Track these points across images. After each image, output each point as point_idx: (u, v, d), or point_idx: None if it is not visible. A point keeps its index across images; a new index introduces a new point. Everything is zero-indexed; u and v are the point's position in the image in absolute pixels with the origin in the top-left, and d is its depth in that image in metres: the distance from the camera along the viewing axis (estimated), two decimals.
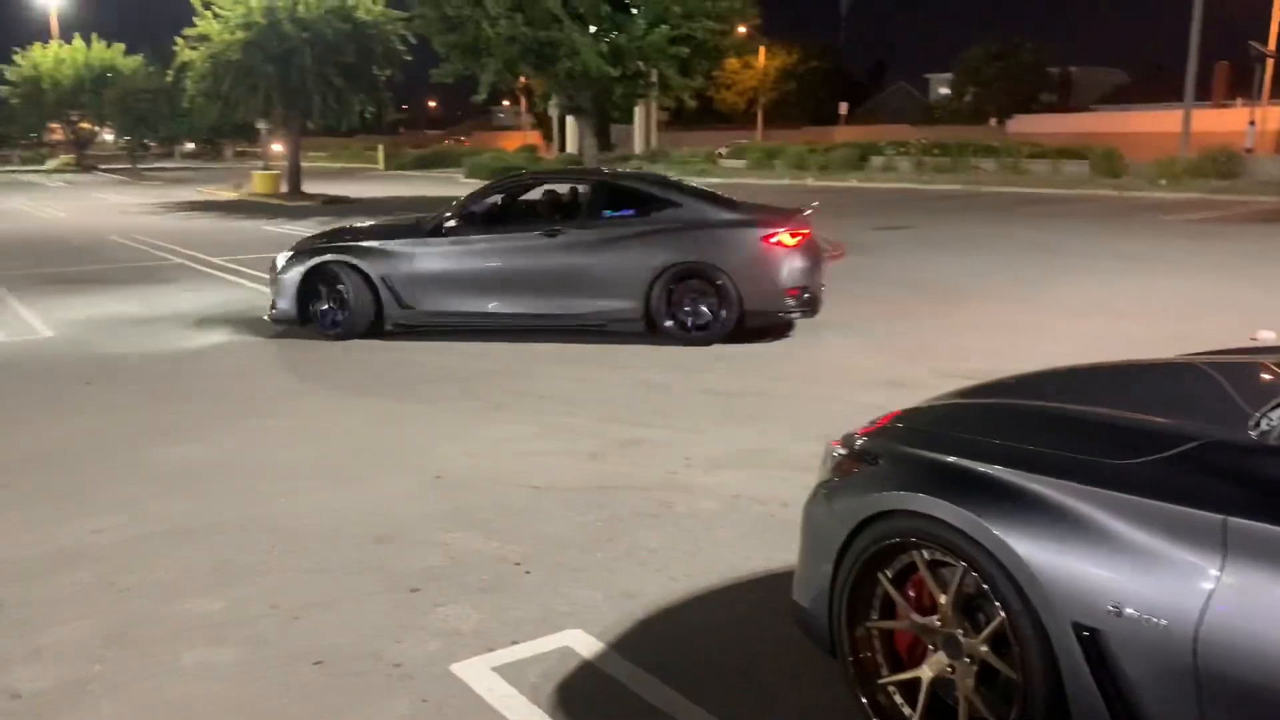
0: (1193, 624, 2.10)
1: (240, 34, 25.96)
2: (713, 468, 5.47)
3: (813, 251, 8.66)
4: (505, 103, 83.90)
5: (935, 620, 2.74)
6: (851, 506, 2.90)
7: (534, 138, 62.65)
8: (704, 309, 8.54)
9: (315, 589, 4.02)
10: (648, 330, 8.63)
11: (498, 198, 9.49)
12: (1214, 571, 2.09)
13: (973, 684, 2.65)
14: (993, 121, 55.59)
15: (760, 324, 8.62)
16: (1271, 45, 39.26)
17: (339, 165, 57.78)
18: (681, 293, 8.55)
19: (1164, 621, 2.16)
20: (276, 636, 3.63)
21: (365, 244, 9.12)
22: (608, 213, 8.90)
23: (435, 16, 17.02)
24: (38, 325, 10.02)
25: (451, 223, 9.05)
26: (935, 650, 2.76)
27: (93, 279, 13.30)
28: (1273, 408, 2.41)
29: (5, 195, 33.22)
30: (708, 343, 8.47)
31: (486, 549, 4.40)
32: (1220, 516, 2.10)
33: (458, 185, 35.81)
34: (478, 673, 3.36)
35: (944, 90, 68.30)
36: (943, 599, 2.70)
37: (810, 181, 34.16)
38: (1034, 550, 2.38)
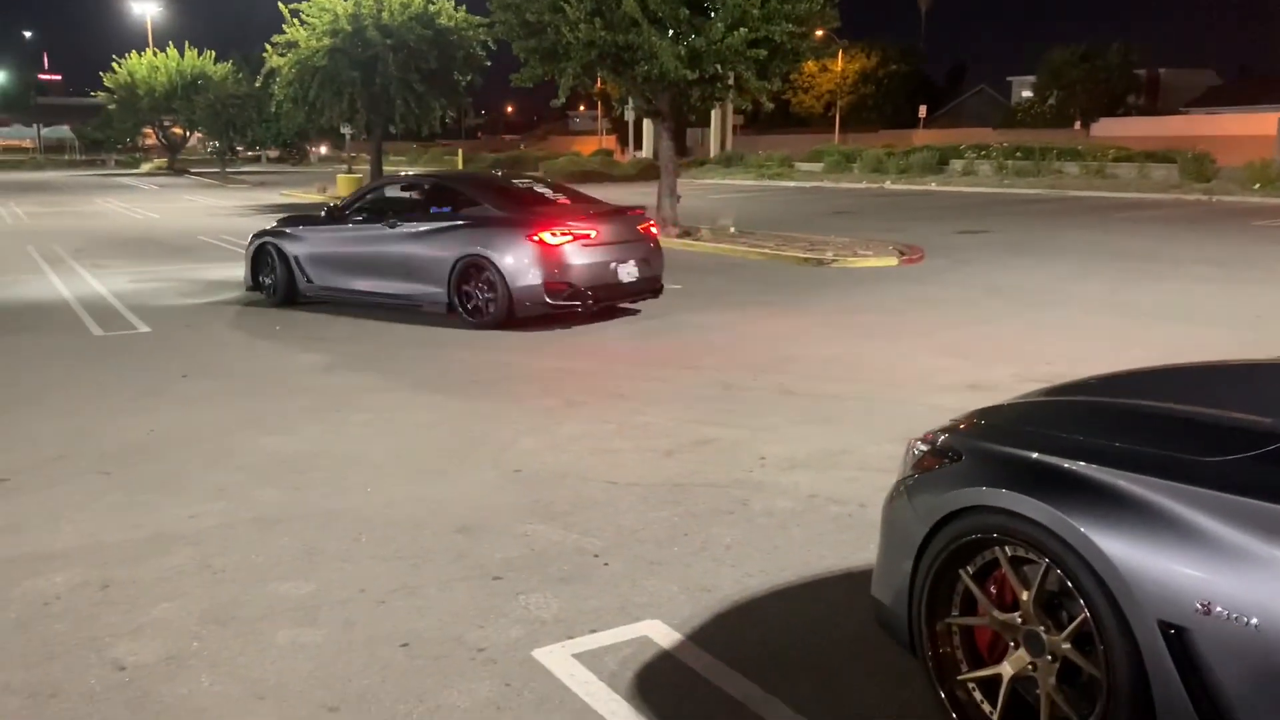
0: None
1: (326, 41, 26.57)
2: (788, 467, 5.48)
3: (587, 250, 9.38)
4: (582, 108, 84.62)
5: (1017, 617, 2.73)
6: (933, 503, 2.91)
7: (609, 142, 62.99)
8: (486, 297, 9.52)
9: (400, 575, 4.14)
10: (448, 312, 9.77)
11: (373, 194, 11.25)
12: None
13: (1054, 682, 2.64)
14: (1077, 125, 54.37)
15: (531, 314, 9.41)
16: None
17: (419, 168, 58.73)
18: (472, 282, 9.57)
19: (1255, 621, 2.13)
20: (364, 619, 3.75)
21: (287, 228, 11.22)
22: (434, 209, 10.17)
23: (515, 22, 17.16)
24: (136, 321, 10.40)
25: (338, 213, 10.90)
26: (1016, 647, 2.75)
27: (184, 278, 13.75)
28: None
29: (102, 197, 34.48)
30: (484, 327, 9.46)
31: (566, 540, 4.48)
32: None
33: None
34: (558, 659, 3.43)
35: (1026, 93, 66.96)
36: (1025, 595, 2.69)
37: (888, 184, 33.80)
38: (1120, 547, 2.37)
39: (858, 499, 4.92)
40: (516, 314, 9.37)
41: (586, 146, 59.67)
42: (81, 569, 4.24)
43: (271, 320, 10.33)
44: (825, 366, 7.90)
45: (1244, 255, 14.35)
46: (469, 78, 28.41)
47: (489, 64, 27.86)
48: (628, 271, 9.70)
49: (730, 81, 17.27)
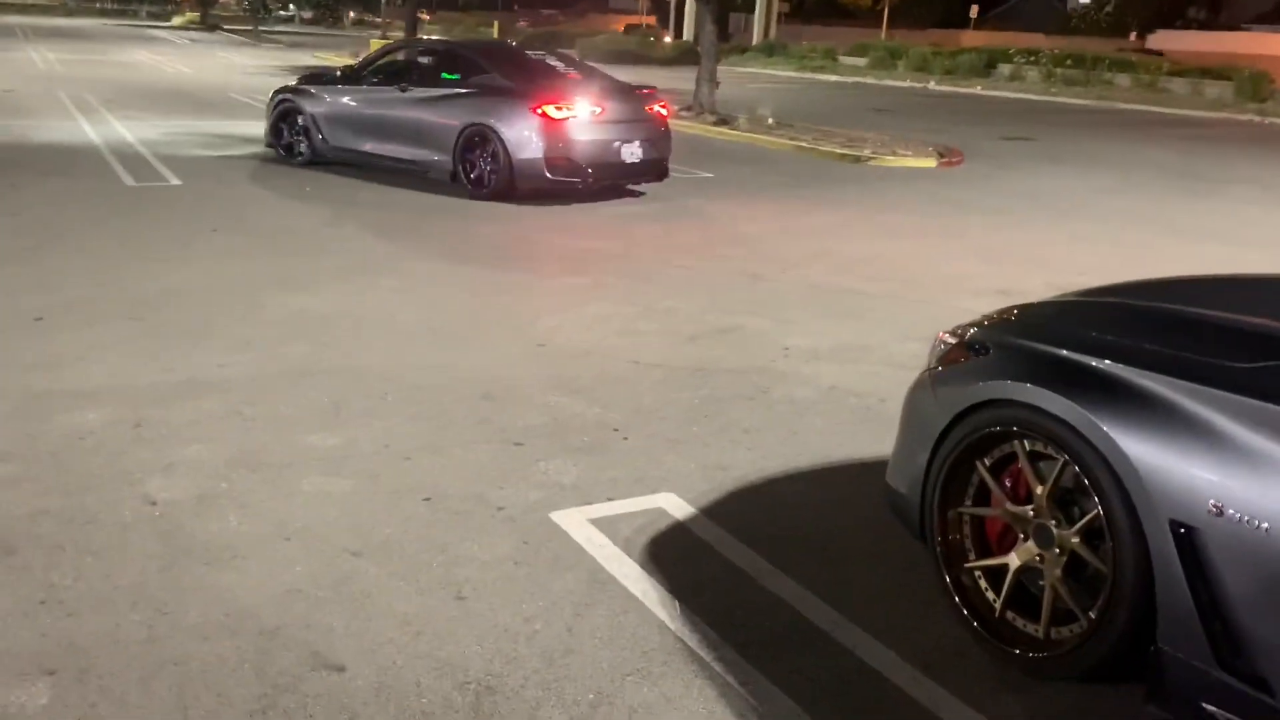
0: None
1: None
2: (811, 359, 5.51)
3: (592, 126, 9.31)
4: None
5: (1029, 510, 2.78)
6: (956, 394, 2.93)
7: (650, 22, 61.32)
8: (488, 167, 9.49)
9: (425, 435, 4.23)
10: (451, 181, 9.76)
11: (388, 57, 11.14)
12: None
13: (1060, 574, 2.70)
14: (1132, 36, 52.51)
15: (531, 186, 9.38)
16: None
17: (454, 39, 57.57)
18: (476, 151, 9.55)
19: (1266, 525, 2.17)
20: (388, 473, 3.85)
21: (306, 86, 11.12)
22: (444, 75, 10.16)
23: None
24: (167, 173, 10.40)
25: (354, 74, 10.92)
26: (1025, 539, 2.81)
27: (216, 133, 13.68)
28: None
29: (134, 48, 34.07)
30: (483, 198, 9.47)
31: (587, 414, 4.55)
32: None
33: None
34: (575, 522, 3.53)
35: (1084, 0, 64.55)
36: (1039, 489, 2.73)
37: (932, 85, 32.95)
38: (1139, 446, 2.39)
39: (878, 393, 4.95)
40: (517, 185, 9.38)
41: (627, 25, 58.17)
42: (114, 407, 4.35)
43: (301, 180, 10.30)
44: (854, 264, 7.85)
45: None
46: None
47: None
48: (631, 152, 9.63)
49: None
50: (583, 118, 9.34)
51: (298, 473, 3.82)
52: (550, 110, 9.22)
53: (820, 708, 2.62)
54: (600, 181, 9.56)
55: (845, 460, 4.21)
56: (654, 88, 10.50)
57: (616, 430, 4.38)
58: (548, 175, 9.29)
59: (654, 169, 10.06)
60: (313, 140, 10.89)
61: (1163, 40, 49.50)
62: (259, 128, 13.18)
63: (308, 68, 28.39)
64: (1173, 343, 2.54)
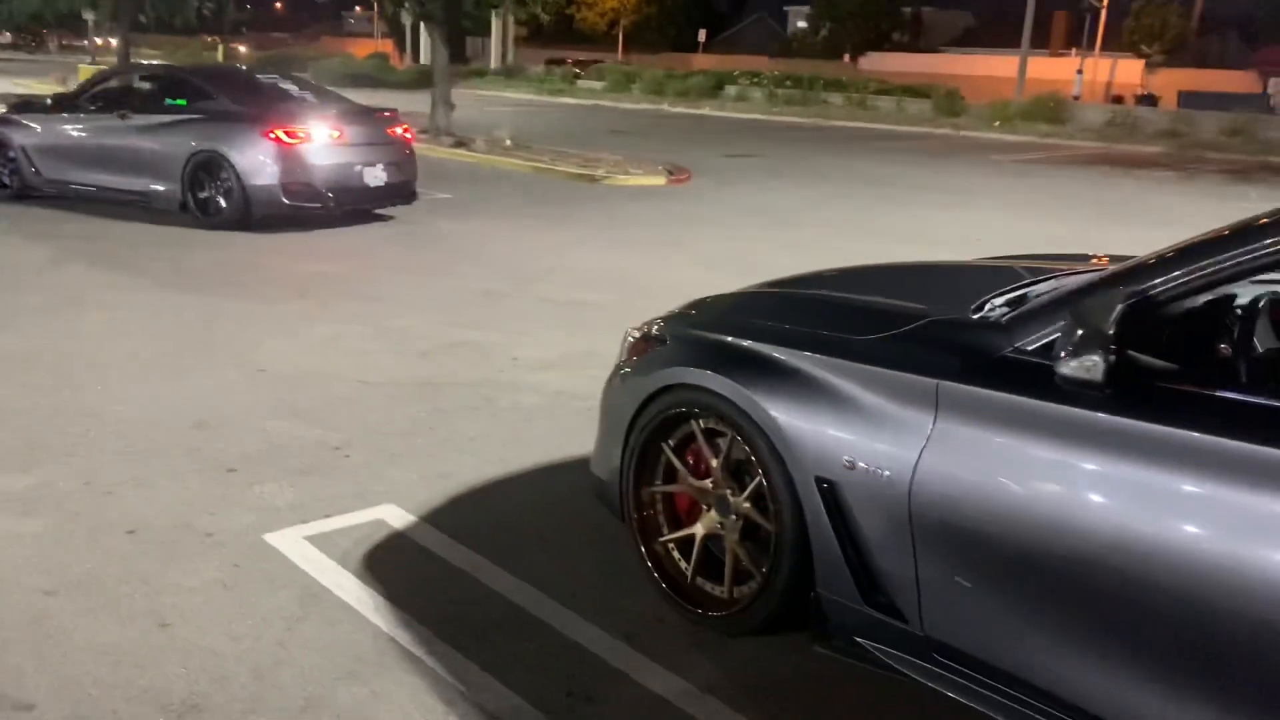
0: (909, 474, 2.44)
1: None
2: (539, 368, 5.69)
3: (330, 150, 9.19)
4: (358, 9, 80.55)
5: (709, 483, 3.05)
6: (641, 383, 3.17)
7: (386, 46, 60.42)
8: (220, 195, 9.21)
9: (129, 468, 4.07)
10: (181, 210, 9.40)
11: (106, 83, 10.59)
12: (927, 427, 2.43)
13: (737, 538, 2.98)
14: (846, 58, 56.77)
15: (268, 214, 9.16)
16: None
17: (177, 63, 54.52)
18: (206, 179, 9.24)
19: (887, 473, 2.50)
20: (88, 510, 3.69)
21: (14, 115, 10.55)
22: (168, 101, 9.80)
23: None
24: None
25: (68, 102, 10.39)
26: (708, 510, 3.07)
27: None
28: (995, 295, 2.77)
29: None
30: (219, 227, 9.15)
31: (307, 435, 4.52)
32: (934, 380, 2.44)
33: None
34: (290, 541, 3.52)
35: (802, 24, 69.19)
36: (714, 463, 3.00)
37: (666, 107, 34.28)
38: (787, 415, 2.69)
39: (599, 395, 5.18)
40: (254, 213, 9.12)
41: (362, 50, 57.02)
42: None
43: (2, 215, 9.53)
44: (584, 276, 8.13)
45: (979, 186, 15.62)
46: None
47: None
48: (375, 175, 9.52)
49: None
50: (320, 141, 9.16)
51: None
52: (284, 134, 9.00)
53: (525, 685, 2.76)
54: (342, 206, 9.39)
55: (566, 459, 4.40)
56: (394, 110, 10.36)
57: (338, 449, 4.38)
58: (285, 201, 9.07)
59: (399, 192, 9.94)
60: (23, 173, 10.25)
61: (872, 62, 53.91)
62: None
63: (4, 95, 26.13)
64: (811, 323, 2.88)
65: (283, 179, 9.01)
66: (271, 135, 8.99)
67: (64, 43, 61.62)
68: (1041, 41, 48.58)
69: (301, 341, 5.97)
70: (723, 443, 2.97)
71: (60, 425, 4.49)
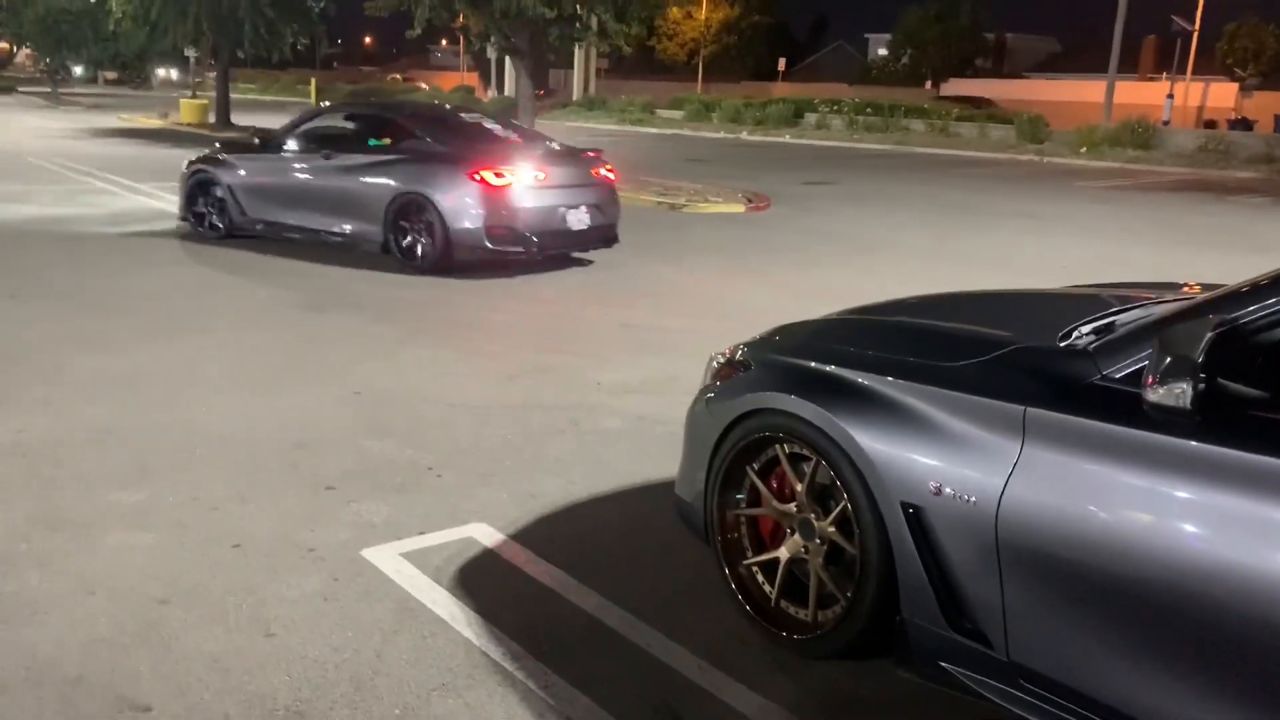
0: (995, 499, 2.47)
1: None
2: (622, 392, 5.79)
3: (535, 192, 8.80)
4: (444, 42, 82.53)
5: (793, 507, 3.10)
6: (726, 407, 3.24)
7: (471, 78, 61.80)
8: (422, 239, 8.95)
9: (233, 485, 4.26)
10: (383, 253, 9.16)
11: (310, 123, 10.37)
12: (1014, 454, 2.45)
13: (822, 562, 3.02)
14: (928, 84, 56.30)
15: (470, 259, 8.86)
16: (1198, 21, 40.43)
17: (270, 98, 56.51)
18: (409, 222, 8.98)
19: (973, 498, 2.52)
20: (196, 523, 3.88)
21: (221, 156, 10.46)
22: (372, 141, 9.58)
23: None
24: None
25: (272, 142, 10.22)
26: (792, 534, 3.12)
27: (8, 199, 13.08)
28: (1083, 323, 2.78)
29: None
30: (422, 271, 8.89)
31: (400, 455, 4.67)
32: (1021, 407, 2.46)
33: None
34: (386, 557, 3.65)
35: (882, 51, 68.84)
36: (799, 487, 3.05)
37: (745, 135, 34.42)
38: (873, 440, 2.74)
39: (681, 419, 5.25)
40: (455, 257, 8.81)
41: (448, 82, 58.49)
42: None
43: (230, 261, 9.99)
44: (665, 302, 8.23)
45: (1063, 212, 15.39)
46: (322, 4, 27.57)
47: None
48: (578, 218, 9.10)
49: (589, 22, 17.35)
50: (525, 183, 8.79)
51: (101, 529, 3.80)
52: (489, 176, 8.67)
53: (613, 701, 2.83)
54: (545, 251, 9.00)
55: (649, 481, 4.48)
56: (599, 151, 9.94)
57: (430, 469, 4.52)
58: (488, 245, 8.71)
59: (601, 235, 9.51)
60: (230, 213, 10.20)
61: (955, 88, 53.34)
62: (54, 193, 12.69)
63: (112, 130, 27.35)
64: (896, 349, 2.92)
65: (487, 222, 8.67)
66: (476, 177, 8.66)
67: (167, 78, 64.22)
68: (1130, 66, 47.64)
69: (393, 364, 6.16)
70: (807, 467, 3.02)
71: (167, 444, 4.72)
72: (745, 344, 3.44)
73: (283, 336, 6.80)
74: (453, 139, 9.36)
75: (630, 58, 51.27)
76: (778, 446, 3.09)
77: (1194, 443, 2.12)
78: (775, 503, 3.15)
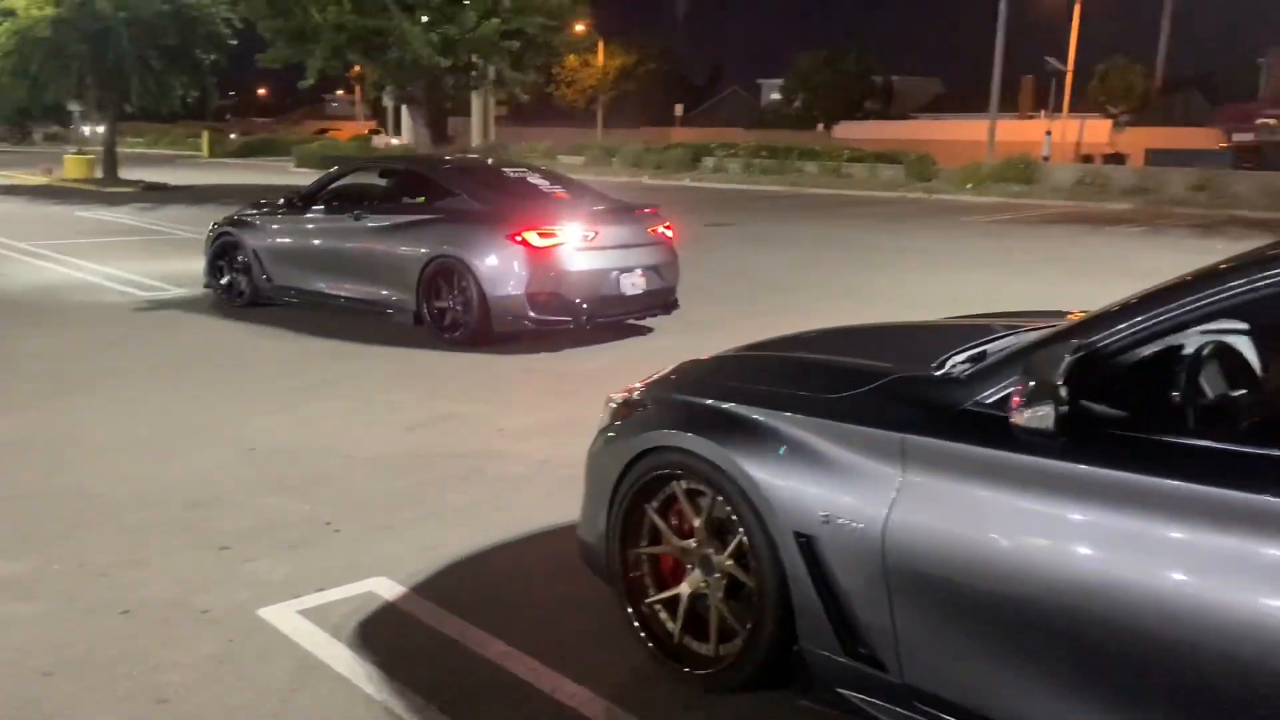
0: (880, 526, 2.54)
1: (50, 9, 24.58)
2: (525, 436, 5.78)
3: (584, 254, 7.84)
4: (340, 92, 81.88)
5: (692, 543, 3.14)
6: (624, 446, 3.27)
7: (369, 127, 61.39)
8: (459, 307, 8.01)
9: (124, 549, 4.13)
10: (416, 324, 8.26)
11: (339, 180, 9.61)
12: (896, 480, 2.54)
13: (721, 596, 3.06)
14: (820, 127, 57.92)
15: (510, 330, 7.88)
16: (1070, 62, 42.51)
17: (160, 151, 55.25)
18: (445, 288, 8.08)
19: (860, 525, 2.60)
20: (83, 591, 3.74)
21: (247, 217, 9.72)
22: (405, 199, 8.86)
23: (261, 0, 16.71)
24: None
25: (299, 201, 9.41)
26: (692, 569, 3.16)
27: None
28: (958, 351, 2.90)
29: None
30: (458, 343, 7.96)
31: (298, 511, 4.59)
32: (900, 435, 2.55)
33: (285, 174, 34.92)
34: (283, 615, 3.57)
35: (776, 95, 70.66)
36: (697, 522, 3.10)
37: (646, 179, 34.84)
38: (764, 473, 2.80)
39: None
40: (495, 329, 7.86)
41: (345, 132, 57.95)
42: None
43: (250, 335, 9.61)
44: (560, 347, 8.23)
45: (951, 246, 15.93)
46: (213, 57, 27.08)
47: (234, 43, 26.64)
48: (633, 282, 8.09)
49: (486, 71, 17.48)
50: (573, 244, 7.80)
51: None
52: (532, 236, 7.71)
53: None
54: (594, 320, 7.93)
55: (553, 526, 4.47)
56: (656, 206, 8.87)
57: (328, 523, 4.44)
58: (531, 315, 7.74)
59: (659, 300, 8.45)
60: (254, 278, 9.45)
61: (845, 130, 54.98)
62: None
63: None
64: (785, 383, 3.00)
65: (529, 288, 7.70)
66: (518, 238, 7.71)
67: (49, 133, 62.29)
68: (1010, 105, 49.73)
69: (290, 418, 6.05)
70: (704, 502, 3.07)
71: (55, 510, 4.55)
72: (642, 383, 3.49)
73: (178, 392, 6.62)
74: (492, 195, 8.43)
75: (530, 104, 51.58)
76: (675, 483, 3.13)
77: (1058, 462, 2.24)
78: (675, 539, 3.19)
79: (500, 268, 7.74)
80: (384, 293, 8.49)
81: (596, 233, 7.94)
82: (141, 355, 7.79)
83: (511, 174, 9.24)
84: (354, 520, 4.48)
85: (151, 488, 4.86)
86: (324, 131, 58.61)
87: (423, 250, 8.12)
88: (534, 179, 9.15)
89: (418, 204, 8.64)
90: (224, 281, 9.81)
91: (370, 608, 3.65)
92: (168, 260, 13.15)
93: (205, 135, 51.75)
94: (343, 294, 8.86)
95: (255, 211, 9.84)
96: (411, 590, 3.79)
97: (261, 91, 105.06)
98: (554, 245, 7.76)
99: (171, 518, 4.48)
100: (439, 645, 3.39)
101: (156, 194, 25.41)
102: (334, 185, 9.52)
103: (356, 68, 18.95)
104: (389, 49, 16.19)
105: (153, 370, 7.31)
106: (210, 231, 10.02)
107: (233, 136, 56.21)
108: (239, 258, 9.62)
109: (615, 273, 8.00)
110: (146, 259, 13.27)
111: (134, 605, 3.63)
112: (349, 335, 8.49)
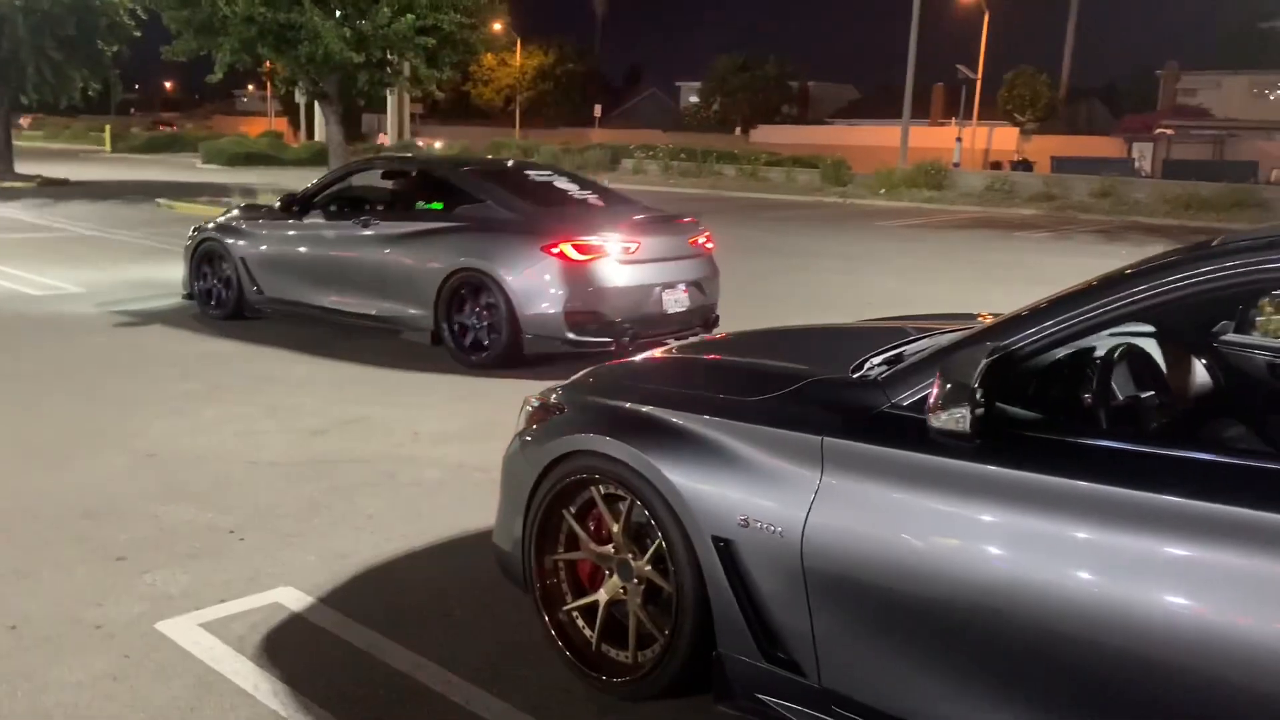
0: (799, 529, 2.52)
1: None
2: (440, 441, 5.67)
3: (625, 269, 7.14)
4: (250, 87, 79.98)
5: (610, 548, 3.09)
6: (541, 451, 3.20)
7: (280, 124, 60.13)
8: (484, 326, 7.34)
9: (11, 560, 3.92)
10: (434, 344, 7.55)
11: (342, 182, 8.80)
12: (814, 483, 2.52)
13: (640, 602, 3.01)
14: (737, 130, 58.42)
15: (544, 350, 7.16)
16: (980, 71, 43.61)
17: (59, 145, 53.25)
18: (467, 304, 7.40)
19: (779, 529, 2.57)
20: None
21: (235, 223, 8.95)
22: (420, 205, 8.15)
23: None
24: None
25: (297, 205, 8.58)
26: (611, 575, 3.10)
27: None
28: (875, 354, 2.90)
29: None
30: (484, 366, 7.28)
31: (199, 519, 4.41)
32: (818, 437, 2.54)
33: (192, 170, 34.00)
34: (183, 629, 3.42)
35: (694, 98, 71.05)
36: (615, 528, 3.04)
37: None
38: (684, 477, 2.76)
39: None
40: (526, 350, 7.17)
41: (255, 128, 56.58)
42: None
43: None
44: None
45: (866, 250, 16.19)
46: (115, 48, 26.17)
47: (139, 34, 25.79)
48: (675, 299, 7.40)
49: (400, 68, 17.18)
50: (614, 257, 7.09)
51: None
52: (569, 250, 7.02)
53: None
54: (636, 340, 6.99)
55: (467, 532, 4.38)
56: (695, 217, 8.19)
57: (231, 532, 4.28)
58: (569, 336, 7.02)
59: (700, 318, 7.73)
60: (242, 289, 8.68)
61: (763, 134, 55.53)
62: None
63: None
64: (703, 386, 2.97)
65: (568, 306, 6.99)
66: (554, 250, 7.00)
67: None
68: (922, 112, 50.86)
69: (192, 423, 5.83)
70: (623, 507, 3.02)
71: None
72: (559, 386, 3.42)
73: (73, 398, 6.34)
74: (521, 202, 7.61)
75: (447, 103, 51.07)
76: (593, 488, 3.07)
77: (974, 464, 2.24)
78: (593, 545, 3.13)
79: (535, 283, 7.04)
80: (396, 308, 7.74)
81: (638, 244, 7.23)
82: (34, 359, 7.46)
83: (538, 178, 8.47)
84: (259, 528, 4.33)
85: (43, 497, 4.63)
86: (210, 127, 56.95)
87: (443, 262, 7.39)
88: (561, 183, 8.45)
89: (436, 210, 7.94)
90: (205, 290, 9.04)
91: (275, 619, 3.52)
92: (66, 260, 12.65)
93: (107, 130, 50.07)
94: (345, 308, 8.11)
95: (244, 216, 9.08)
96: (319, 601, 3.67)
97: (168, 85, 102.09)
98: (594, 259, 7.07)
99: (64, 528, 4.27)
100: (348, 658, 3.27)
101: (55, 190, 24.49)
102: (336, 187, 8.72)
103: (268, 63, 18.41)
104: (301, 43, 15.79)
105: (46, 375, 7.00)
106: (191, 237, 9.25)
107: (135, 130, 54.47)
108: (223, 266, 8.86)
109: (658, 289, 7.32)
110: (43, 258, 12.74)
111: (20, 621, 3.44)
112: (253, 338, 8.26)
